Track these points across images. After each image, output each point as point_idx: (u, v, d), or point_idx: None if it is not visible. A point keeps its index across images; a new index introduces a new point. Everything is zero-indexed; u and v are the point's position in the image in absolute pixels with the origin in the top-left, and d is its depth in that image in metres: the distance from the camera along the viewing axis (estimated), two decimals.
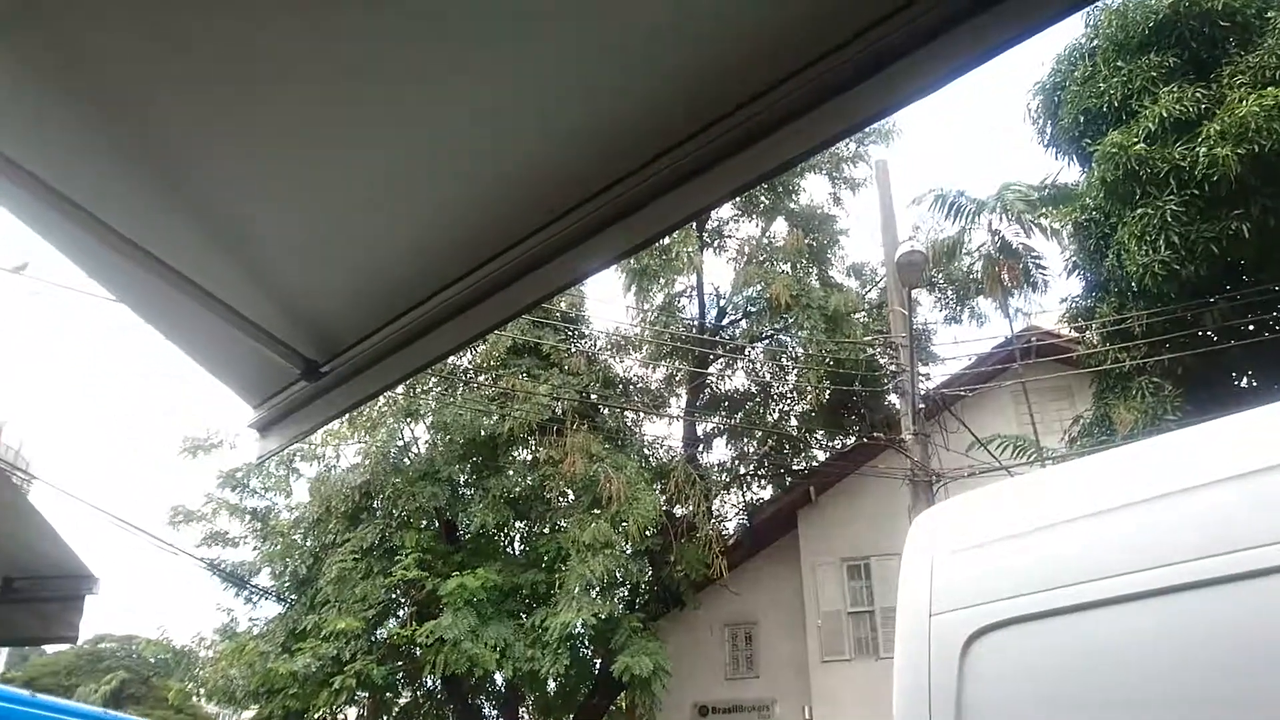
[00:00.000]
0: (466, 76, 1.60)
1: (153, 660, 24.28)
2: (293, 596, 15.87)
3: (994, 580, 2.66)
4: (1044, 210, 15.55)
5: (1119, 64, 12.57)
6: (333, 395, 2.21)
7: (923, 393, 13.67)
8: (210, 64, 1.58)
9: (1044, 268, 16.35)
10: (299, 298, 2.08)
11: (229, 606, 16.73)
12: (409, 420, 16.15)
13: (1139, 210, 11.60)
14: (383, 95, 1.63)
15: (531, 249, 1.81)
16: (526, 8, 1.47)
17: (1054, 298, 16.75)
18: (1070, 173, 14.94)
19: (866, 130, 16.90)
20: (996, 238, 16.45)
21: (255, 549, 16.72)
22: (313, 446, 16.16)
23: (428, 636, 13.54)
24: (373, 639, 14.73)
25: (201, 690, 16.10)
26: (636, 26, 1.49)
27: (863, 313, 18.18)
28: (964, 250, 16.95)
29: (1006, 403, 16.24)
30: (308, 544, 16.08)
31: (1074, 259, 13.92)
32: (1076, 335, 14.69)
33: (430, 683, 15.53)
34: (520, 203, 1.77)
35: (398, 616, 15.51)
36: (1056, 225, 15.01)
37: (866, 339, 16.80)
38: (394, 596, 15.20)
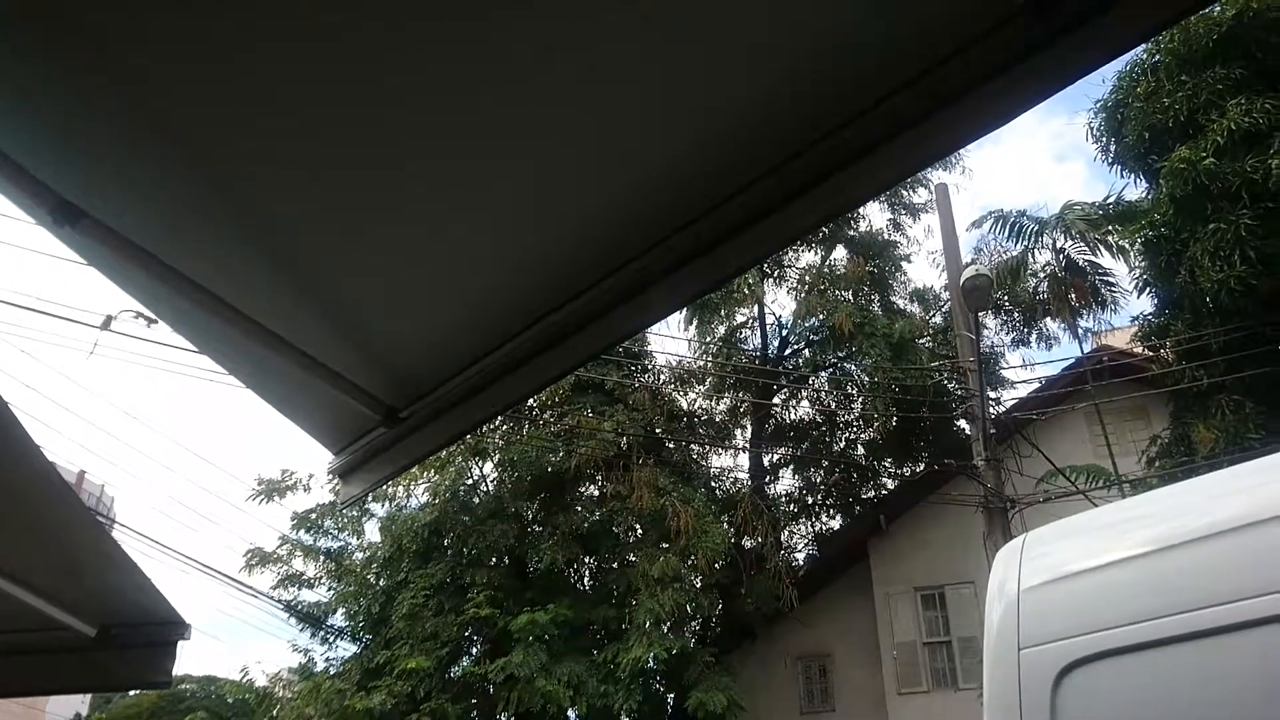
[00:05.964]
0: (543, 129, 1.62)
1: (231, 701, 24.58)
2: (367, 636, 16.03)
3: (1087, 611, 2.57)
4: (1109, 229, 15.27)
5: (1183, 78, 12.32)
6: (412, 440, 2.24)
7: (993, 417, 13.40)
8: (290, 120, 1.60)
9: (1112, 286, 16.05)
10: (377, 346, 2.11)
11: (306, 646, 16.97)
12: (477, 459, 16.29)
13: (1211, 225, 11.35)
14: (454, 151, 1.66)
15: (602, 294, 1.83)
16: (599, 58, 1.49)
17: (1124, 317, 16.34)
18: (1135, 190, 14.72)
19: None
20: (1061, 257, 16.19)
21: (330, 589, 16.95)
22: (384, 487, 16.35)
23: (499, 673, 13.56)
24: (447, 676, 14.79)
25: None
26: (702, 70, 1.50)
27: (928, 338, 17.96)
28: (1028, 271, 16.70)
29: (1080, 425, 15.84)
30: (380, 583, 16.26)
31: (1144, 277, 13.62)
32: (1150, 354, 14.31)
33: None
34: (592, 249, 1.79)
35: (470, 654, 15.57)
36: (1124, 243, 14.72)
37: (933, 365, 16.59)
38: (466, 634, 15.26)
